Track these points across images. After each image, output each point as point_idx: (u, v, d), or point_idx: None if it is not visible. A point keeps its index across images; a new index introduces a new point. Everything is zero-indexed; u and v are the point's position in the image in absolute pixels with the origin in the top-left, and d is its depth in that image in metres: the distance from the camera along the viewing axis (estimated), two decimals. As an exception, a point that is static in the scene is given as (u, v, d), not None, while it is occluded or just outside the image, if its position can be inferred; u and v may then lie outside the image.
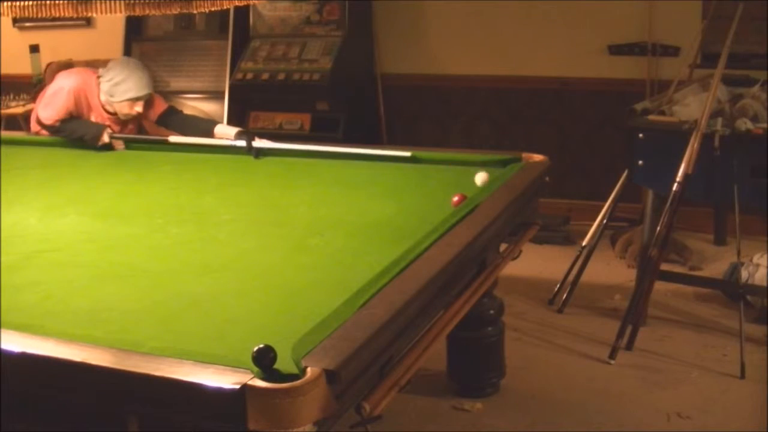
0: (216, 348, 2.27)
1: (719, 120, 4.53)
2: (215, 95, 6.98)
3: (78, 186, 4.19)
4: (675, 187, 4.52)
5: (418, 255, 2.81)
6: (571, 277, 5.30)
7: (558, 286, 5.33)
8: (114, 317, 2.57)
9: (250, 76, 6.74)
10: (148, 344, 2.26)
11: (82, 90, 4.99)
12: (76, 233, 3.43)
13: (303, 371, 2.02)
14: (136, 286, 2.84)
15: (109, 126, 4.92)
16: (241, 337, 2.34)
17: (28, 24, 7.95)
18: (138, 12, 3.04)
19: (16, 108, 7.70)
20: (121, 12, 3.02)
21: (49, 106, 5.00)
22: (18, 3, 2.94)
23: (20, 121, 7.59)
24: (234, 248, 3.21)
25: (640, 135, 4.77)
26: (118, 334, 2.40)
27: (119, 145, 4.91)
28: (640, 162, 4.78)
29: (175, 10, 3.10)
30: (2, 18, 4.88)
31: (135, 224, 3.52)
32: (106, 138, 4.83)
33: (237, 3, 3.47)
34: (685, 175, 4.49)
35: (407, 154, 4.28)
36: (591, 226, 5.45)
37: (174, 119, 5.12)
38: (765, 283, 4.85)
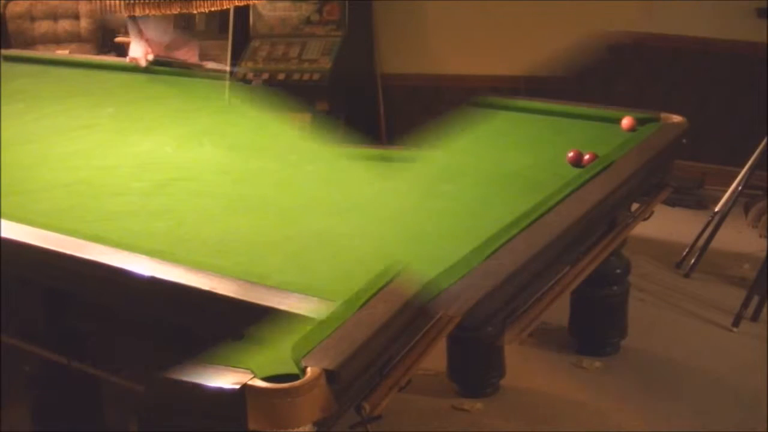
0: (340, 286, 2.28)
1: None
2: (215, 95, 7.00)
3: (214, 118, 4.24)
4: (818, 156, 4.39)
5: (549, 209, 2.79)
6: (700, 242, 5.20)
7: (687, 250, 5.24)
8: (242, 248, 2.60)
9: (250, 76, 6.74)
10: (274, 277, 2.28)
11: None
12: (210, 164, 3.48)
13: (303, 371, 2.00)
14: (265, 219, 2.87)
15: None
16: (365, 278, 2.33)
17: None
18: (138, 12, 3.08)
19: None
20: (121, 12, 3.06)
21: None
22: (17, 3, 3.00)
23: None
24: (366, 190, 3.22)
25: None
26: (245, 265, 2.43)
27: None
28: (783, 129, 4.65)
29: (175, 10, 3.14)
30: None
31: (269, 159, 3.55)
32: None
33: (237, 3, 3.48)
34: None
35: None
36: (725, 191, 5.33)
37: None
38: None
